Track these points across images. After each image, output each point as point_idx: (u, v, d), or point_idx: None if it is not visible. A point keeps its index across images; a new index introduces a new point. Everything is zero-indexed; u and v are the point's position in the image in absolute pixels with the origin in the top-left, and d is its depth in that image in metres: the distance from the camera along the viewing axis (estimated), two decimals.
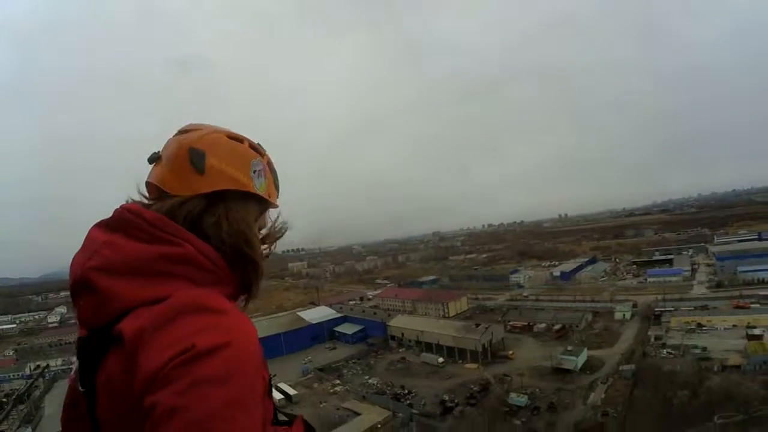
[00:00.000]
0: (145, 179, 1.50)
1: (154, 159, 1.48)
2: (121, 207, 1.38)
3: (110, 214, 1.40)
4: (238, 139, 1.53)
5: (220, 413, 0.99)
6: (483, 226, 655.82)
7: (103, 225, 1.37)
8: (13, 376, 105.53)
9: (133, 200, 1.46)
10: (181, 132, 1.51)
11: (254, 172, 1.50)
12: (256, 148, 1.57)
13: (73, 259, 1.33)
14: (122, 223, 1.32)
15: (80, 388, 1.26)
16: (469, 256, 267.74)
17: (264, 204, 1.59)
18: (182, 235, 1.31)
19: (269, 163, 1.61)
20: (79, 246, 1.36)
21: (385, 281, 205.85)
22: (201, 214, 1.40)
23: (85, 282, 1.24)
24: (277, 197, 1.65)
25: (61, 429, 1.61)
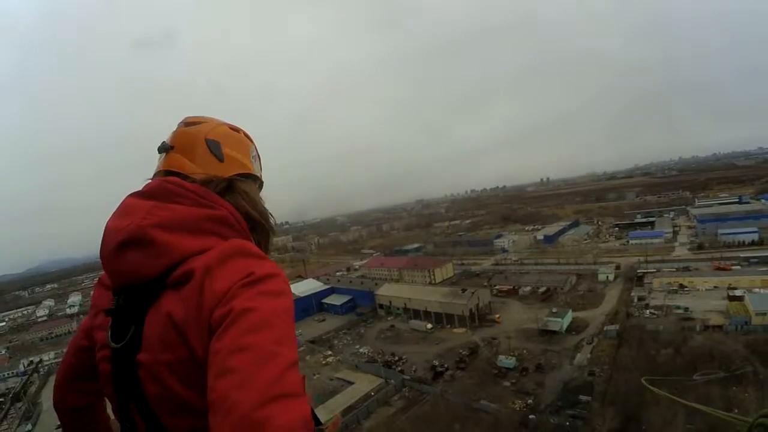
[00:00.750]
0: (157, 167, 1.75)
1: (167, 149, 1.73)
2: (159, 180, 1.59)
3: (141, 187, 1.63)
4: (237, 130, 1.85)
5: (279, 314, 1.26)
6: (466, 192, 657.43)
7: (139, 194, 1.57)
8: (8, 374, 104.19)
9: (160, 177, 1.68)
10: (187, 124, 1.78)
11: (252, 157, 1.85)
12: (249, 137, 1.90)
13: (113, 223, 1.50)
14: (164, 191, 1.53)
15: (114, 344, 1.43)
16: (453, 222, 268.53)
17: (259, 182, 1.90)
18: (219, 201, 1.57)
19: (256, 148, 1.92)
20: (103, 224, 1.55)
21: (371, 251, 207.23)
22: (222, 191, 1.66)
23: (142, 237, 1.41)
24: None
25: (58, 410, 1.94)
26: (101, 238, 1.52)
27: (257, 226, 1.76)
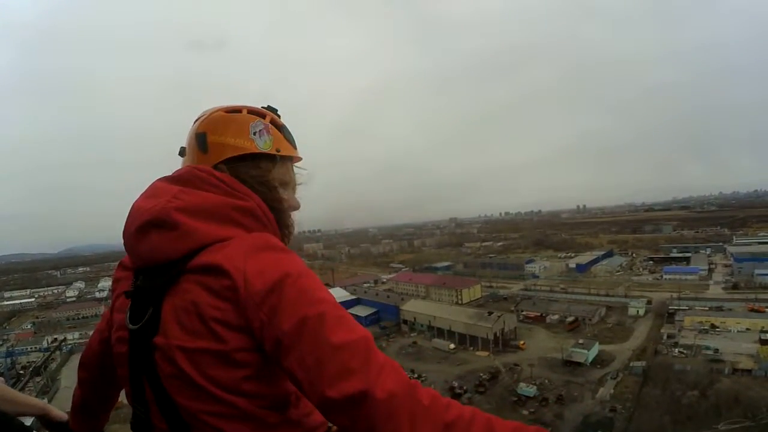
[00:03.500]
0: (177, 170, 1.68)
1: (181, 154, 1.75)
2: (189, 167, 1.60)
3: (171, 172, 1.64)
4: (236, 110, 1.71)
5: (327, 306, 1.32)
6: (500, 213, 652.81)
7: (169, 179, 1.59)
8: (31, 348, 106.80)
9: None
10: (194, 122, 1.73)
11: (254, 133, 1.68)
12: (256, 112, 1.74)
13: (139, 204, 1.53)
14: (193, 177, 1.54)
15: (131, 325, 1.45)
16: (484, 243, 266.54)
17: (274, 159, 1.73)
18: (248, 193, 1.56)
19: (273, 121, 1.76)
20: (127, 207, 1.58)
21: (400, 265, 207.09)
22: None
23: (166, 219, 1.42)
24: (295, 148, 1.82)
25: (81, 385, 2.10)
26: (126, 217, 1.55)
27: (277, 211, 1.71)
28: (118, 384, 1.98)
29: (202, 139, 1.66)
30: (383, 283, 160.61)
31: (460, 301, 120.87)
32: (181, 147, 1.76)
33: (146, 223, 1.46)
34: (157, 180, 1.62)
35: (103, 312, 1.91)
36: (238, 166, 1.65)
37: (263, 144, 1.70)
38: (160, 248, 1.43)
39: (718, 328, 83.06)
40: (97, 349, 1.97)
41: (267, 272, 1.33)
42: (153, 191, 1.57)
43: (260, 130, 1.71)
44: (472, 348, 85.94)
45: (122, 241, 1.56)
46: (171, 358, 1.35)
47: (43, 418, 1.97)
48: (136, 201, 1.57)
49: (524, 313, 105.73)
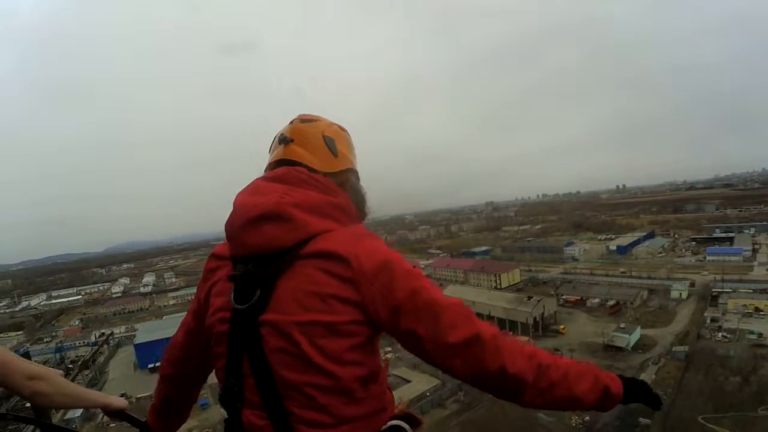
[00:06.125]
0: (276, 156, 1.92)
1: (287, 141, 1.91)
2: (287, 168, 1.80)
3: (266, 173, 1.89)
4: (345, 130, 2.05)
5: (427, 283, 1.60)
6: (537, 196, 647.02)
7: (270, 179, 1.79)
8: (79, 343, 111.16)
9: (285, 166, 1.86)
10: (303, 120, 1.97)
11: (354, 155, 2.06)
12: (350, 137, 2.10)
13: (246, 200, 1.72)
14: (294, 178, 1.74)
15: (238, 306, 1.62)
16: (522, 227, 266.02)
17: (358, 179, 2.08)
18: (338, 191, 1.80)
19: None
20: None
21: (438, 251, 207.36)
22: (337, 183, 1.86)
23: (281, 213, 1.62)
24: None
25: (163, 379, 2.17)
26: (231, 212, 1.73)
27: (364, 214, 2.02)
28: (200, 379, 2.18)
29: (332, 144, 1.92)
30: (421, 269, 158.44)
31: (498, 286, 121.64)
32: (285, 136, 1.93)
33: (260, 216, 1.63)
34: (258, 179, 1.83)
35: (189, 308, 2.09)
36: (349, 175, 1.96)
37: (355, 165, 2.07)
38: (275, 238, 1.61)
39: (762, 311, 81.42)
40: (183, 341, 2.09)
41: (374, 255, 1.58)
42: (256, 189, 1.76)
43: (355, 154, 2.08)
44: (511, 333, 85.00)
45: (224, 232, 1.74)
46: (283, 331, 1.54)
47: (106, 409, 2.08)
48: (238, 197, 1.76)
49: (564, 297, 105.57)
